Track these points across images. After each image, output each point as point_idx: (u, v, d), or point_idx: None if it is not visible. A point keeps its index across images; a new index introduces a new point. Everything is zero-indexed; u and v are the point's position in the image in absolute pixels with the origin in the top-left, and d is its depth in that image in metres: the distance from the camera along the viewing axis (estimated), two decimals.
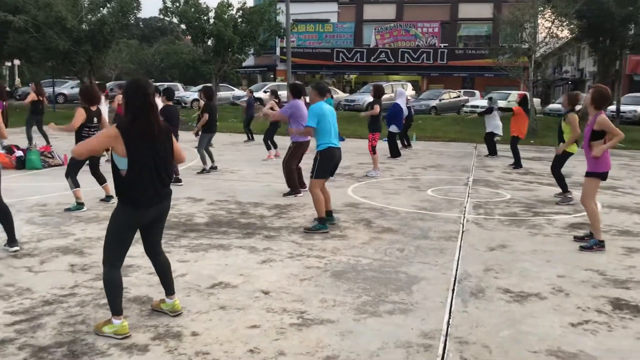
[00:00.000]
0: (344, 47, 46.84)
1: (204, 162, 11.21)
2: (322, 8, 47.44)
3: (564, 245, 6.44)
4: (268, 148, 13.67)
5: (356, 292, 4.80)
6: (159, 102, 10.38)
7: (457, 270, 5.44)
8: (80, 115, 7.44)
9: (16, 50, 26.27)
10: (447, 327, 4.11)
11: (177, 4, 25.49)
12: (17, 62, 48.41)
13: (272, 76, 52.29)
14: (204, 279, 5.03)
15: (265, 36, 27.55)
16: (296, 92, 9.36)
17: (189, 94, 34.42)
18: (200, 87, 18.36)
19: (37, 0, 24.73)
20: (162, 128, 3.88)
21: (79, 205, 7.70)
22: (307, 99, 8.58)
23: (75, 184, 7.66)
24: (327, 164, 6.94)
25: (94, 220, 7.14)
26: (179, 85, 39.46)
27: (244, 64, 55.96)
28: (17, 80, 50.82)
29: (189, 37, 28.21)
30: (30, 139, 13.77)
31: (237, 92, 36.61)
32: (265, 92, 30.59)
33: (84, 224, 6.94)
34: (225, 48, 25.10)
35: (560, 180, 9.10)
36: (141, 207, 3.82)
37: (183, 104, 31.89)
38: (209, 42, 26.27)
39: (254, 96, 19.45)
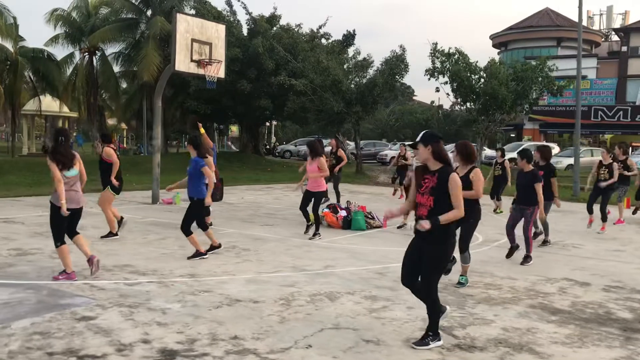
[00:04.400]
0: (603, 105, 42.80)
1: (547, 234, 9.92)
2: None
3: None
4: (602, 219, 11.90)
5: None
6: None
7: None
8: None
9: (293, 111, 28.28)
10: None
11: (447, 65, 25.21)
12: (274, 122, 53.34)
13: (512, 135, 49.85)
14: None
15: (538, 94, 25.84)
16: None
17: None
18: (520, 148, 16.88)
19: (317, 66, 26.36)
20: None
21: (467, 279, 6.95)
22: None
23: (470, 258, 6.91)
24: None
25: (484, 301, 6.21)
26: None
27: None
28: (274, 139, 55.84)
29: (450, 98, 27.70)
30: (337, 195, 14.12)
31: (488, 152, 35.22)
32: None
33: (487, 305, 6.04)
34: (498, 107, 23.95)
35: None
36: None
37: None
38: (477, 102, 25.37)
39: None
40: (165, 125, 34.34)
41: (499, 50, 52.66)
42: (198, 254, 7.94)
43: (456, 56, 25.59)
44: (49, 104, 37.05)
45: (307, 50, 29.23)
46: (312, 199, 10.07)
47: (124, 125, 60.25)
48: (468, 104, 26.18)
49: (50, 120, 46.81)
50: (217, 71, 13.48)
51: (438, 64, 25.71)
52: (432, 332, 4.75)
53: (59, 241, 6.54)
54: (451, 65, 25.12)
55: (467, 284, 6.86)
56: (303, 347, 4.63)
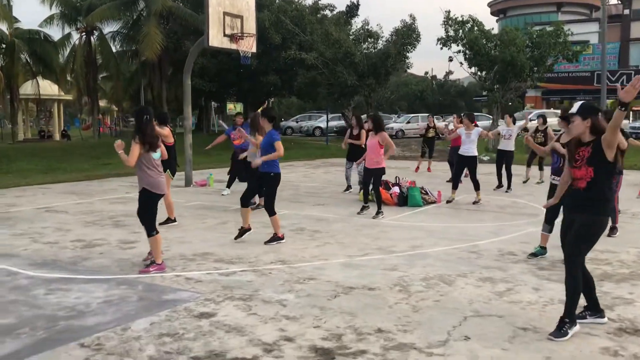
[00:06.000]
0: (606, 70, 42.51)
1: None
2: (581, 29, 43.69)
3: None
4: None
5: None
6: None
7: None
8: None
9: (303, 86, 27.66)
10: None
11: (461, 33, 24.66)
12: (271, 99, 52.47)
13: (509, 104, 49.56)
14: None
15: (554, 60, 25.42)
16: None
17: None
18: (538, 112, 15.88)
19: (325, 38, 25.69)
20: None
21: (542, 249, 6.68)
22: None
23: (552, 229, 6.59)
24: None
25: (605, 278, 5.87)
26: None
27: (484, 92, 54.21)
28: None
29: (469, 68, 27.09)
30: None
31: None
32: (531, 119, 28.35)
33: (611, 282, 5.70)
34: (516, 74, 23.51)
35: None
36: None
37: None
38: (492, 70, 24.90)
39: None
40: (168, 103, 33.65)
41: (497, 18, 52.08)
42: (276, 238, 7.53)
43: (469, 24, 25.05)
44: (43, 87, 36.05)
45: (313, 22, 28.53)
46: (372, 177, 9.66)
47: (114, 107, 59.18)
48: (482, 73, 25.69)
49: (42, 104, 45.69)
50: (251, 45, 12.90)
51: (452, 32, 25.13)
52: (568, 319, 4.33)
53: (154, 230, 6.10)
54: (465, 33, 24.57)
55: (540, 255, 6.60)
56: (461, 339, 4.25)
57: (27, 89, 34.03)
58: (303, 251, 7.09)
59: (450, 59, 27.11)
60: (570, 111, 4.53)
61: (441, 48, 26.04)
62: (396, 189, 11.03)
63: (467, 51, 25.09)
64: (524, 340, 4.23)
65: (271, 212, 7.51)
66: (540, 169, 14.24)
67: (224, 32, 12.50)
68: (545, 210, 6.58)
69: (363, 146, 12.73)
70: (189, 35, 30.35)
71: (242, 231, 7.69)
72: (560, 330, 4.29)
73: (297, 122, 43.77)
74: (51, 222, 8.99)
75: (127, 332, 4.43)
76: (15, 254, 6.95)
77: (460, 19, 25.11)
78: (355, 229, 8.49)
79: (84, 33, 31.36)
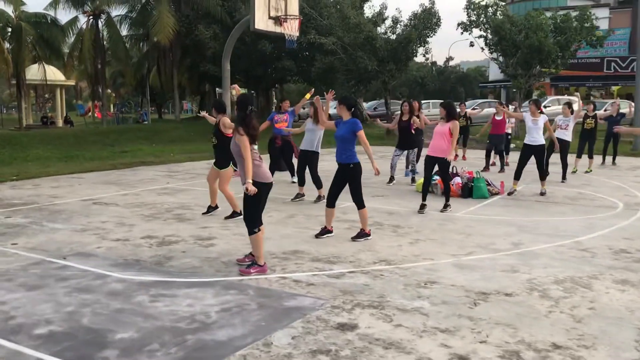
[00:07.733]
0: (616, 56, 42.20)
1: None
2: None
3: None
4: None
5: None
6: None
7: None
8: None
9: (321, 71, 27.02)
10: None
11: (483, 17, 24.10)
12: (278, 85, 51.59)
13: (514, 90, 49.06)
14: None
15: (576, 45, 24.95)
16: None
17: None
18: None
19: (347, 22, 25.01)
20: None
21: None
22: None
23: None
24: None
25: None
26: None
27: (490, 79, 53.69)
28: (275, 102, 54.15)
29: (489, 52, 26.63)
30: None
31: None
32: (545, 106, 27.96)
33: None
34: (542, 60, 23.02)
35: None
36: None
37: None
38: (515, 56, 24.38)
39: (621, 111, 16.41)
40: (174, 89, 32.88)
41: (504, 3, 51.36)
42: (363, 235, 7.05)
43: (492, 8, 24.54)
44: (47, 72, 35.08)
45: (329, 6, 27.81)
46: (435, 166, 9.03)
47: (109, 92, 57.99)
48: (502, 58, 25.20)
49: (41, 90, 44.67)
50: (296, 29, 12.30)
51: (474, 17, 24.59)
52: None
53: (256, 227, 5.57)
54: (487, 17, 24.04)
55: None
56: None
57: (29, 74, 33.07)
58: (400, 249, 6.59)
59: (472, 44, 26.41)
60: None
61: (462, 33, 25.56)
62: (458, 180, 10.53)
63: (489, 36, 24.61)
64: None
65: (360, 204, 7.04)
66: (590, 157, 13.79)
67: (269, 15, 11.90)
68: None
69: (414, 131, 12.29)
70: (200, 20, 29.63)
71: (324, 231, 7.23)
72: None
73: (303, 108, 43.04)
74: (107, 216, 8.43)
75: (271, 348, 3.92)
76: (90, 252, 6.41)
77: (482, 3, 24.61)
78: (437, 224, 7.99)
79: (91, 16, 30.46)
